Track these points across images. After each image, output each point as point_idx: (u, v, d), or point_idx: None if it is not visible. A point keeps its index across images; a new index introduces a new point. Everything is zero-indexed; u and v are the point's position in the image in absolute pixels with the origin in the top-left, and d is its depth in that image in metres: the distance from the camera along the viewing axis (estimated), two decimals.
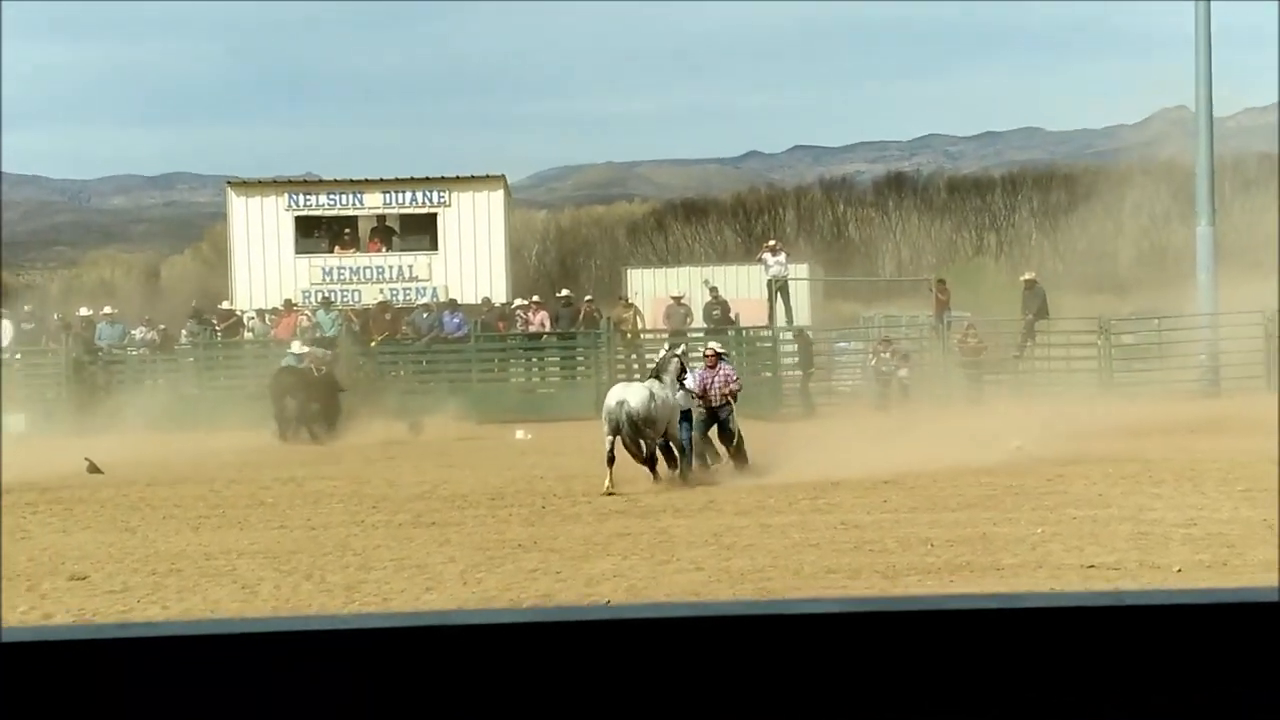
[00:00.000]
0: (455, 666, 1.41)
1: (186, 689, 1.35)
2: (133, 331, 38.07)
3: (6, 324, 36.48)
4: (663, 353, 23.00)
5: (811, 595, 12.51)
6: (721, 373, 21.95)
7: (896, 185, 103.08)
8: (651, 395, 20.55)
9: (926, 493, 18.62)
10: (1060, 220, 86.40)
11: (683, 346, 24.16)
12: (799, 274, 40.76)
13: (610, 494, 19.41)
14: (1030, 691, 1.38)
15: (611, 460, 20.02)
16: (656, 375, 21.44)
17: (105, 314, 37.29)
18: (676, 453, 21.03)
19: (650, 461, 20.64)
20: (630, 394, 20.68)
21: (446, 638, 1.43)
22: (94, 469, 24.01)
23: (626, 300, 39.09)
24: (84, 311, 37.62)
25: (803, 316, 38.95)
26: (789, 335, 36.44)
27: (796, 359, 35.53)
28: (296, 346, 32.12)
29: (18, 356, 36.14)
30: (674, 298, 37.95)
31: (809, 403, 34.17)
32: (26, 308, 39.13)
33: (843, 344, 38.89)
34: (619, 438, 20.27)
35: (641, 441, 20.44)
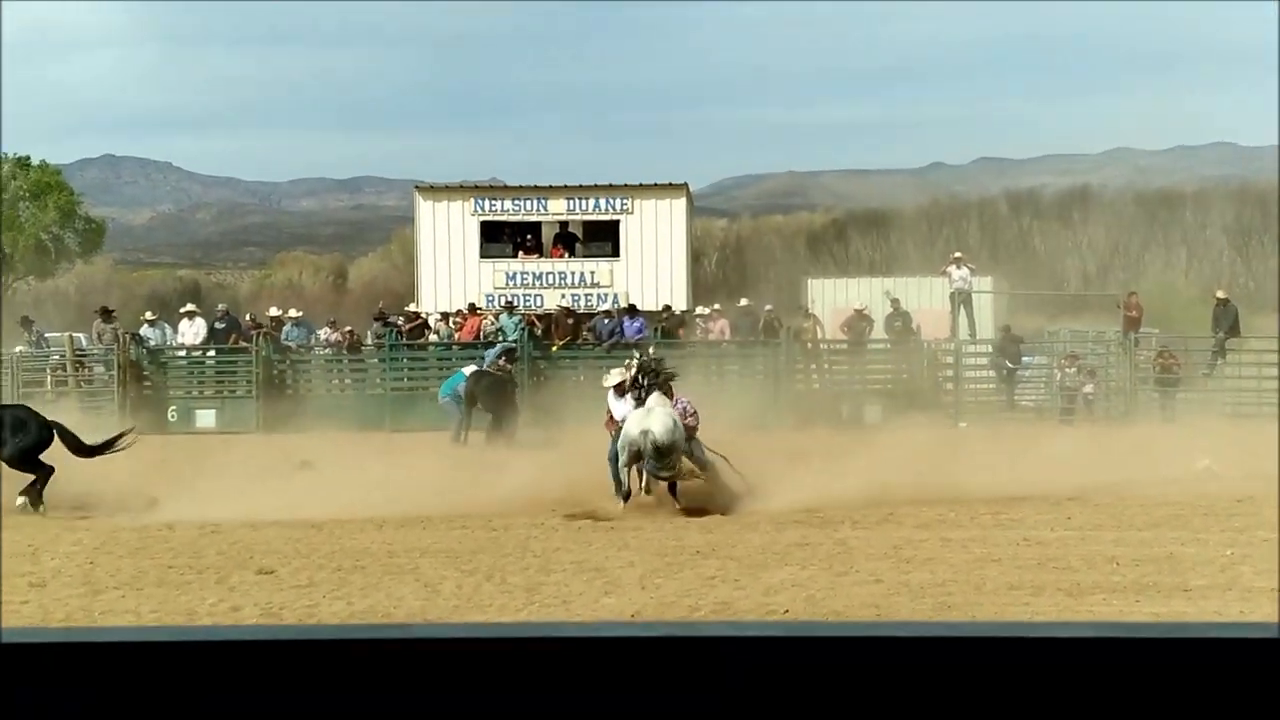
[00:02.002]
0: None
1: (178, 694, 1.35)
2: (318, 332, 38.76)
3: (200, 322, 37.33)
4: (615, 373, 21.26)
5: (993, 611, 12.36)
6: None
7: (1083, 199, 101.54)
8: (675, 422, 19.57)
9: (1112, 510, 18.31)
10: (1253, 237, 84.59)
11: (651, 350, 22.54)
12: (983, 287, 40.35)
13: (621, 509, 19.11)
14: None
15: (628, 494, 19.61)
16: (645, 392, 20.07)
17: (291, 316, 38.00)
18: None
19: (672, 487, 19.77)
20: (653, 422, 19.45)
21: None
22: (306, 465, 24.64)
23: (807, 310, 38.98)
24: (273, 312, 38.39)
25: (986, 330, 38.55)
26: (989, 338, 36.25)
27: (999, 357, 35.28)
28: (491, 354, 32.49)
29: (210, 354, 36.97)
30: (856, 309, 37.74)
31: (1012, 402, 33.95)
32: (221, 306, 39.99)
33: (1026, 358, 38.36)
34: (635, 467, 19.61)
35: (668, 468, 19.49)
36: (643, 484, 19.83)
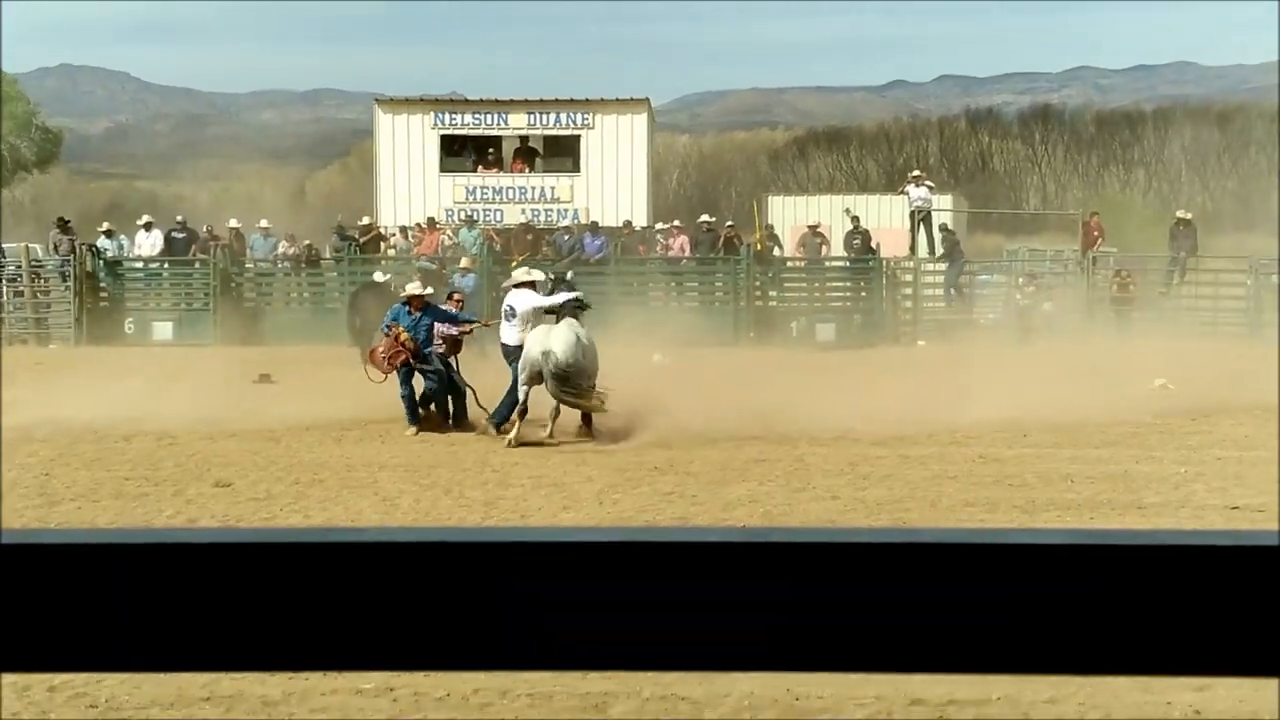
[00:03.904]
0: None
1: (179, 597, 1.35)
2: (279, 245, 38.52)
3: (157, 233, 37.07)
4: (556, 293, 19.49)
5: (947, 528, 12.45)
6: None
7: (1044, 117, 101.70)
8: (578, 340, 18.19)
9: (1068, 428, 18.39)
10: (1211, 157, 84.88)
11: (570, 275, 21.01)
12: (943, 205, 40.37)
13: (518, 445, 17.52)
14: (1019, 629, 1.35)
15: (524, 412, 18.05)
16: (573, 313, 18.78)
17: (261, 227, 37.70)
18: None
19: (586, 419, 18.35)
20: (554, 341, 18.01)
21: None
22: (265, 379, 24.57)
23: (770, 230, 38.91)
24: (233, 224, 38.09)
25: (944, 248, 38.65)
26: (938, 241, 36.49)
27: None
28: (379, 273, 32.14)
29: (166, 266, 36.74)
30: (809, 226, 37.74)
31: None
32: (179, 218, 39.70)
33: (985, 277, 38.49)
34: (538, 387, 18.07)
35: (572, 392, 18.03)
36: (551, 426, 18.26)
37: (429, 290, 20.54)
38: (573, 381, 17.94)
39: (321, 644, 1.38)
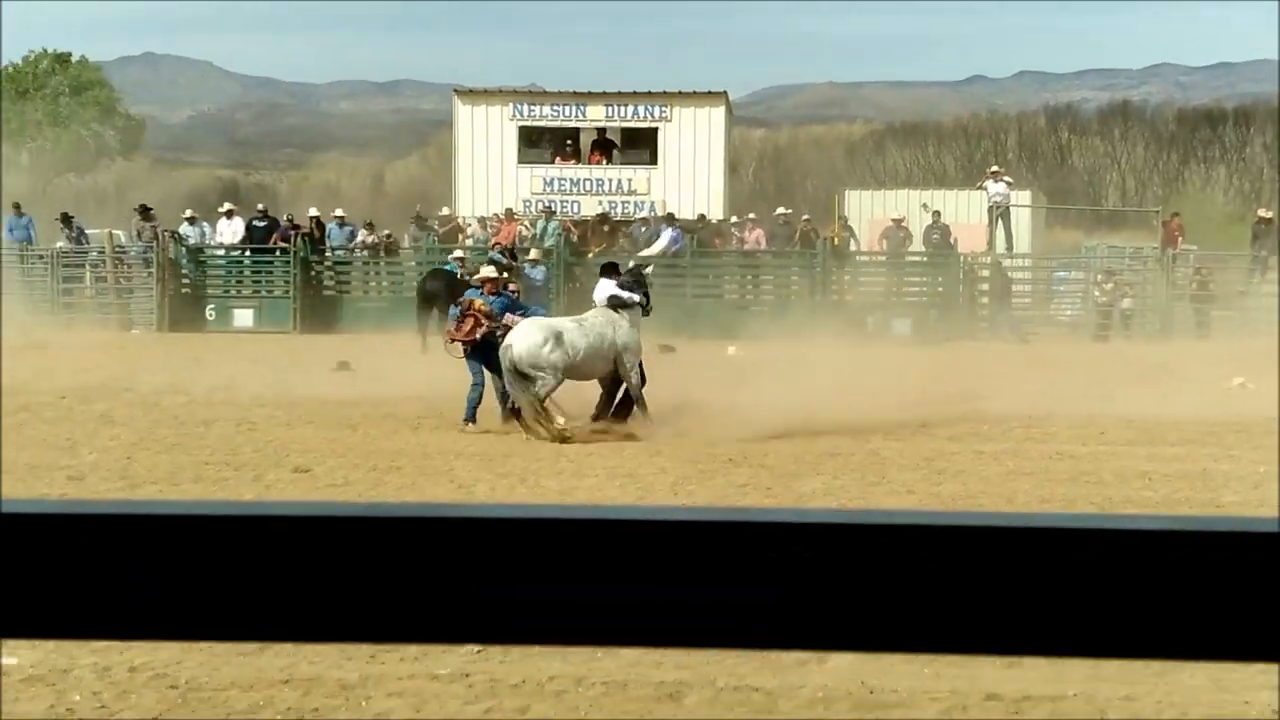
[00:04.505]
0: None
1: (181, 570, 1.38)
2: (358, 233, 38.83)
3: (238, 221, 37.40)
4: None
5: (1020, 513, 12.40)
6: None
7: (1123, 114, 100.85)
8: (553, 339, 17.61)
9: (1144, 426, 18.26)
10: None
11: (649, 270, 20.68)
12: (1021, 201, 40.14)
13: (566, 436, 17.15)
14: (1022, 612, 1.37)
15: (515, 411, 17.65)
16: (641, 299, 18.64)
17: (336, 216, 38.03)
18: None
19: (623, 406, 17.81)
20: (517, 336, 17.61)
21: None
22: (343, 366, 24.79)
23: (845, 221, 38.89)
24: (313, 212, 38.37)
25: (1023, 244, 38.42)
26: (1026, 252, 36.10)
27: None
28: (456, 254, 32.51)
29: (247, 254, 37.06)
30: (894, 220, 37.61)
31: (1018, 335, 34.00)
32: (260, 206, 40.01)
33: (1062, 273, 38.24)
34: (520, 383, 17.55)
35: (529, 389, 17.43)
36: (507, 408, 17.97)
37: (504, 275, 20.66)
38: (526, 382, 17.46)
39: (346, 618, 1.40)
